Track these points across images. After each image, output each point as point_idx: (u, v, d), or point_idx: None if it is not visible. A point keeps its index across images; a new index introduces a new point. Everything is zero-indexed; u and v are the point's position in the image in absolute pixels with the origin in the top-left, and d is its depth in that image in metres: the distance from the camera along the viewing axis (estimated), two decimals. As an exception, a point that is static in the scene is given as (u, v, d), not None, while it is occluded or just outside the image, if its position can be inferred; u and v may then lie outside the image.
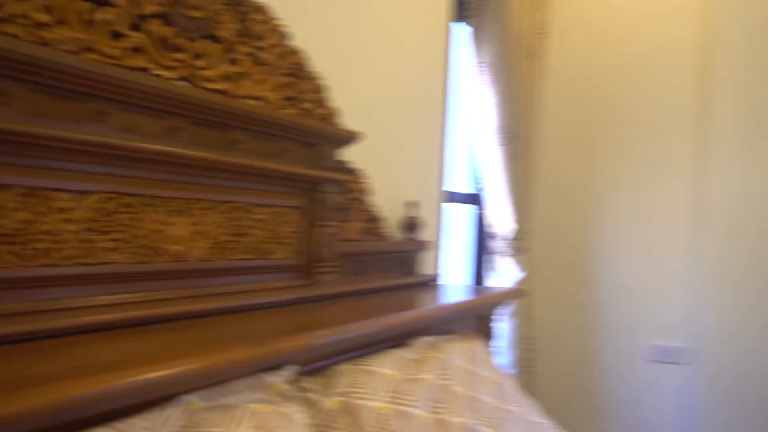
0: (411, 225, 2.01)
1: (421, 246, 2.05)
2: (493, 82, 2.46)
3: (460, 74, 2.53)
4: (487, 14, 2.41)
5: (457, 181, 2.65)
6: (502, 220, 2.58)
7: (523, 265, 2.61)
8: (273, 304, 1.34)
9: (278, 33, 1.41)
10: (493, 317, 2.00)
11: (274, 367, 1.04)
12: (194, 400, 0.88)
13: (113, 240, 1.08)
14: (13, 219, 0.94)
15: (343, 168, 1.66)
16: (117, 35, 1.07)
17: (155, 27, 1.13)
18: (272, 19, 1.39)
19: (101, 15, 1.04)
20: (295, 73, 1.46)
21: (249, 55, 1.33)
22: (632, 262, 2.67)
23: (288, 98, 1.44)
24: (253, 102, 1.33)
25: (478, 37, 2.45)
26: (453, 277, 2.51)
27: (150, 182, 1.14)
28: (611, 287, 2.71)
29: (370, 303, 1.50)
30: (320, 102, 1.55)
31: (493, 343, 1.91)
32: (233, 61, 1.29)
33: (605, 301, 2.71)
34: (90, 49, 1.02)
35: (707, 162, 2.51)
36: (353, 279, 1.70)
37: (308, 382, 1.12)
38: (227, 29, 1.28)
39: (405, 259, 2.00)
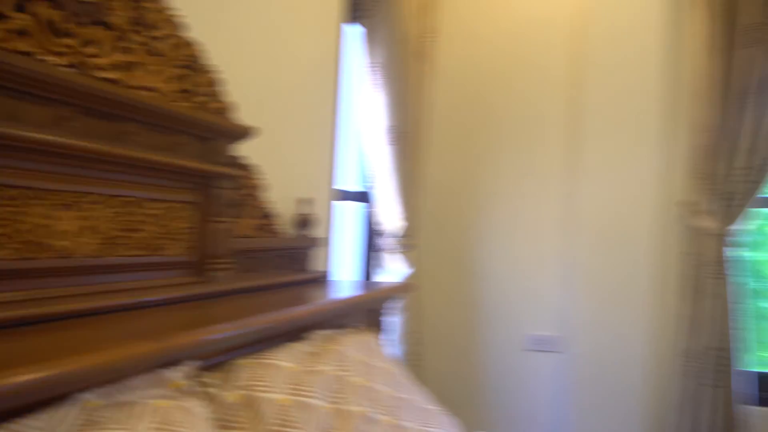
0: (303, 222, 2.03)
1: (313, 243, 2.07)
2: (383, 83, 2.52)
3: (352, 74, 2.57)
4: (378, 17, 2.47)
5: (347, 180, 2.70)
6: (391, 217, 2.65)
7: (411, 261, 2.69)
8: (165, 302, 1.31)
9: (173, 23, 1.38)
10: (383, 312, 2.05)
11: (171, 362, 1.02)
12: (91, 398, 0.85)
13: (-6, 234, 1.02)
14: None
15: (237, 163, 1.64)
16: (0, 16, 1.01)
17: (42, 9, 1.07)
18: (167, 8, 1.36)
19: (-18, -7, 0.98)
20: (190, 65, 1.43)
21: (142, 44, 1.29)
22: (511, 258, 2.84)
23: (182, 91, 1.41)
24: (146, 93, 1.29)
25: (370, 38, 2.50)
26: (343, 274, 2.55)
27: (35, 174, 1.08)
28: (492, 282, 2.86)
29: (263, 299, 1.50)
30: (215, 96, 1.53)
31: (384, 336, 1.97)
32: (126, 50, 1.25)
33: (487, 296, 2.86)
34: (-31, 30, 0.96)
35: (577, 166, 2.72)
36: (247, 276, 1.69)
37: (208, 377, 1.11)
38: (119, 16, 1.23)
39: (297, 256, 2.02)
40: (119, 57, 1.23)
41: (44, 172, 1.09)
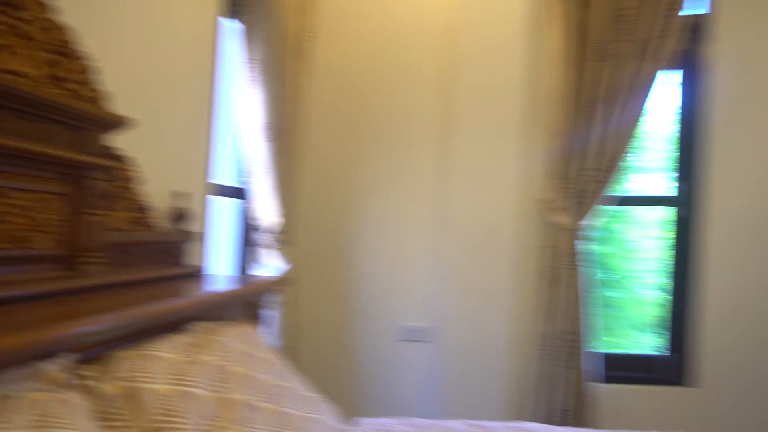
0: (179, 216, 1.99)
1: (189, 237, 2.04)
2: (261, 79, 2.52)
3: (230, 69, 2.55)
4: (257, 13, 2.47)
5: (224, 175, 2.67)
6: (268, 214, 2.66)
7: (288, 257, 2.71)
8: (34, 296, 1.25)
9: (43, 6, 1.32)
10: (261, 305, 2.07)
11: (47, 355, 0.99)
12: (-39, 392, 0.82)
13: None
14: None
15: (111, 154, 1.59)
16: None
17: None
18: (36, -11, 1.30)
19: None
20: (62, 50, 1.38)
21: (10, 26, 1.23)
22: (385, 254, 2.95)
23: (53, 77, 1.35)
24: (12, 77, 1.23)
25: (249, 34, 2.50)
26: (219, 269, 2.53)
27: None
28: (368, 277, 2.95)
29: (138, 293, 1.47)
30: (88, 84, 1.47)
31: (263, 329, 1.99)
32: (-9, 31, 1.19)
33: (362, 290, 2.95)
34: None
35: (447, 166, 2.87)
36: (120, 270, 1.64)
37: (86, 370, 1.08)
38: (-17, -5, 1.17)
39: (172, 250, 1.98)
40: (-16, 38, 1.17)
41: None
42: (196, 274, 2.00)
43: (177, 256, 2.00)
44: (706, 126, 2.83)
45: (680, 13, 2.67)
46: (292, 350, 2.70)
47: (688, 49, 2.83)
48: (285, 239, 2.70)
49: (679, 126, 2.94)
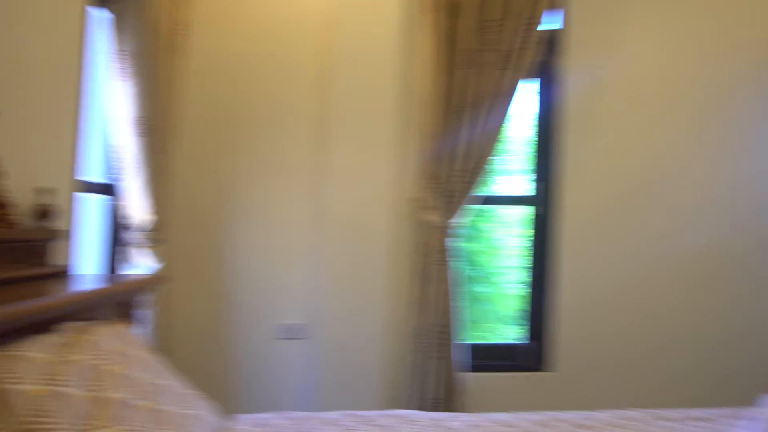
0: (43, 213, 1.89)
1: (54, 235, 1.94)
2: (132, 72, 2.44)
3: (99, 61, 2.44)
4: (128, 3, 2.38)
5: (92, 171, 2.55)
6: (139, 211, 2.57)
7: (161, 256, 2.64)
8: None
9: None
10: (134, 305, 2.01)
11: None
12: None
13: None
14: None
15: (-33, 146, 1.49)
16: None
17: None
18: None
19: None
20: None
21: None
22: (262, 252, 2.95)
23: None
24: None
25: (119, 25, 2.40)
26: (86, 268, 2.41)
27: None
28: (244, 275, 2.94)
29: None
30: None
31: (137, 328, 1.94)
32: None
33: (239, 288, 2.93)
34: None
35: (324, 165, 2.92)
36: (-23, 270, 1.54)
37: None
38: None
39: (36, 249, 1.87)
40: None
41: None
42: (61, 274, 1.91)
43: (41, 255, 1.89)
44: (560, 131, 3.10)
45: (538, 28, 2.91)
46: (165, 349, 2.63)
47: (545, 61, 3.08)
48: (157, 237, 2.63)
49: (537, 131, 3.19)
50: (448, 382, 2.89)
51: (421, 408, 2.78)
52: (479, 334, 3.28)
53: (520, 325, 3.23)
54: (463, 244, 3.03)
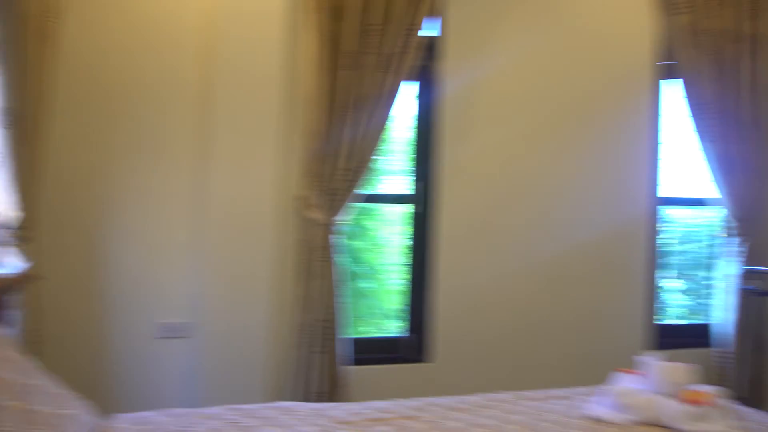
0: None
1: None
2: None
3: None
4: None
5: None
6: (4, 207, 2.43)
7: (29, 254, 2.51)
8: None
9: None
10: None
11: None
12: None
13: None
14: None
15: None
16: None
17: None
18: None
19: None
20: None
21: None
22: (142, 249, 2.87)
23: None
24: None
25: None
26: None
27: None
28: (123, 273, 2.84)
29: None
30: None
31: (5, 329, 1.84)
32: None
33: (117, 287, 2.83)
34: None
35: (207, 161, 2.88)
36: None
37: None
38: None
39: None
40: None
41: None
42: None
43: None
44: (438, 132, 3.26)
45: (418, 34, 3.04)
46: (37, 350, 2.50)
47: (424, 65, 3.23)
48: (25, 235, 2.49)
49: (416, 132, 3.33)
50: (332, 375, 2.96)
51: (305, 402, 2.83)
52: (363, 328, 3.38)
53: (401, 319, 3.35)
54: (346, 241, 3.11)
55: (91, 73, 2.82)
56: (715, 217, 3.70)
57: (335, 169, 2.96)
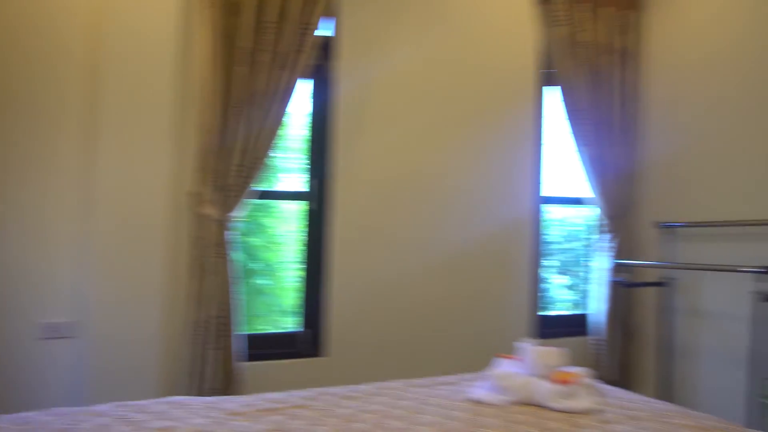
0: None
1: None
2: None
3: None
4: None
5: None
6: None
7: None
8: None
9: None
10: None
11: None
12: None
13: None
14: None
15: None
16: None
17: None
18: None
19: None
20: None
21: None
22: (22, 247, 2.74)
23: None
24: None
25: None
26: None
27: None
28: (2, 270, 2.71)
29: None
30: None
31: None
32: None
33: (-5, 286, 2.71)
34: None
35: (95, 158, 2.80)
36: None
37: None
38: None
39: None
40: None
41: None
42: None
43: None
44: (333, 130, 3.34)
45: (314, 33, 3.10)
46: None
47: (319, 64, 3.29)
48: None
49: (311, 130, 3.39)
50: (227, 371, 2.96)
51: (198, 398, 2.82)
52: (259, 324, 3.39)
53: (297, 314, 3.40)
54: (242, 238, 3.12)
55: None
56: (590, 215, 4.01)
57: (230, 165, 2.96)
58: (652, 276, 3.85)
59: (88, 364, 2.79)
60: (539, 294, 3.91)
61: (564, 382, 2.09)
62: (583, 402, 2.06)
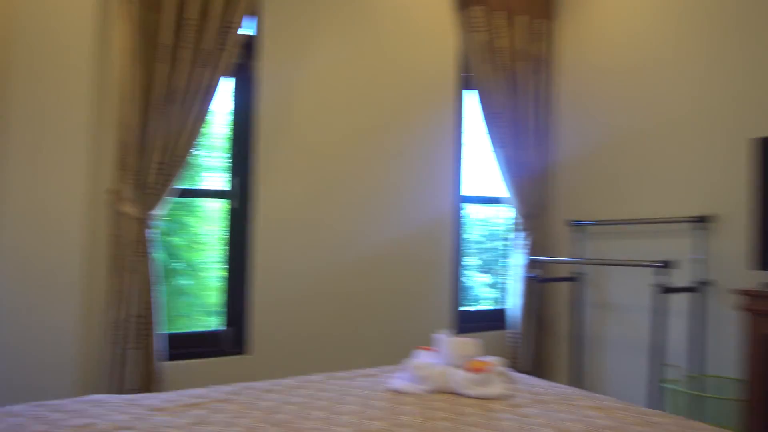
0: None
1: None
2: None
3: None
4: None
5: None
6: None
7: None
8: None
9: None
10: None
11: None
12: None
13: None
14: None
15: None
16: None
17: None
18: None
19: None
20: None
21: None
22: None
23: None
24: None
25: None
26: None
27: None
28: None
29: None
30: None
31: None
32: None
33: None
34: None
35: (4, 149, 2.71)
36: None
37: None
38: None
39: None
40: None
41: None
42: None
43: None
44: (256, 129, 3.35)
45: (237, 32, 3.11)
46: None
47: (242, 63, 3.30)
48: None
49: (233, 128, 3.39)
50: (148, 371, 2.93)
51: (117, 398, 2.77)
52: (181, 324, 3.36)
53: (219, 313, 3.39)
54: (162, 236, 3.08)
55: None
56: (507, 214, 4.19)
57: (150, 162, 2.93)
58: (564, 271, 4.07)
59: (1, 367, 2.69)
60: (460, 290, 4.05)
61: (478, 370, 2.20)
62: (495, 388, 2.17)
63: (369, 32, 3.69)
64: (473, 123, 4.12)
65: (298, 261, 3.46)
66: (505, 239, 4.29)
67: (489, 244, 4.42)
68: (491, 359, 2.32)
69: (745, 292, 2.69)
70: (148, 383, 2.91)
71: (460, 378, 2.19)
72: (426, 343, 2.67)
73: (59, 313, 2.81)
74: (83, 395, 2.75)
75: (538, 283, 4.01)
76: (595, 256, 3.90)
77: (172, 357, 3.10)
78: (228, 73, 3.13)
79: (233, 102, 3.38)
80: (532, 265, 4.00)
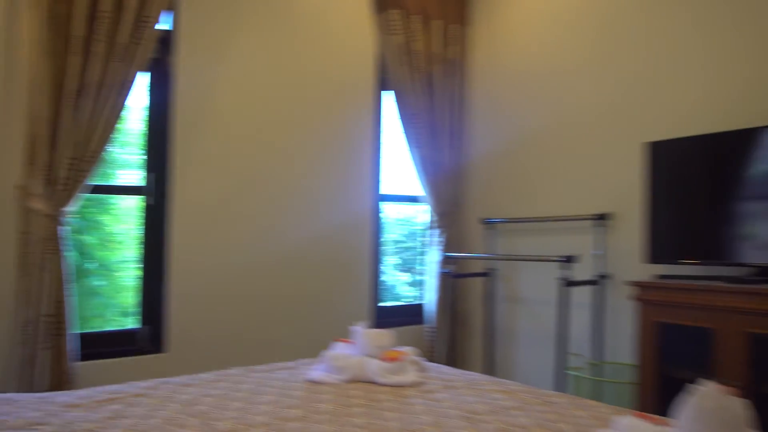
0: None
1: None
2: None
3: None
4: None
5: None
6: None
7: None
8: None
9: None
10: None
11: None
12: None
13: None
14: None
15: None
16: None
17: None
18: None
19: None
20: None
21: None
22: None
23: None
24: None
25: None
26: None
27: None
28: None
29: None
30: None
31: None
32: None
33: None
34: None
35: None
36: None
37: None
38: None
39: None
40: None
41: None
42: None
43: None
44: (172, 125, 3.32)
45: (154, 26, 3.07)
46: None
47: (158, 58, 3.26)
48: None
49: (149, 123, 3.34)
50: (60, 372, 2.85)
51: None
52: (95, 323, 3.29)
53: (135, 312, 3.34)
54: (74, 235, 3.01)
55: None
56: (424, 212, 4.33)
57: (61, 158, 2.85)
58: (477, 267, 4.25)
59: None
60: (379, 286, 4.15)
61: (392, 359, 2.30)
62: (408, 376, 2.28)
63: (287, 31, 3.73)
64: (392, 123, 4.23)
65: (216, 258, 3.46)
66: (423, 236, 4.43)
67: (409, 243, 4.55)
68: (405, 349, 2.43)
69: (638, 284, 2.92)
70: (60, 383, 2.84)
71: (375, 367, 2.28)
72: (344, 337, 2.74)
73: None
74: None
75: (452, 278, 4.17)
76: (506, 253, 4.10)
77: (86, 357, 3.03)
78: (144, 68, 3.09)
79: (149, 97, 3.34)
80: (446, 261, 4.15)
